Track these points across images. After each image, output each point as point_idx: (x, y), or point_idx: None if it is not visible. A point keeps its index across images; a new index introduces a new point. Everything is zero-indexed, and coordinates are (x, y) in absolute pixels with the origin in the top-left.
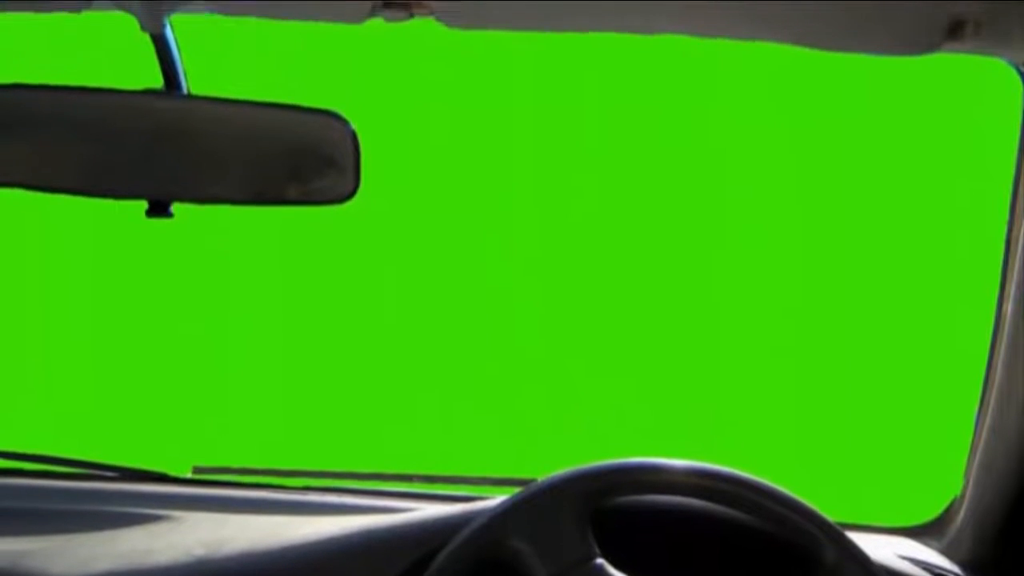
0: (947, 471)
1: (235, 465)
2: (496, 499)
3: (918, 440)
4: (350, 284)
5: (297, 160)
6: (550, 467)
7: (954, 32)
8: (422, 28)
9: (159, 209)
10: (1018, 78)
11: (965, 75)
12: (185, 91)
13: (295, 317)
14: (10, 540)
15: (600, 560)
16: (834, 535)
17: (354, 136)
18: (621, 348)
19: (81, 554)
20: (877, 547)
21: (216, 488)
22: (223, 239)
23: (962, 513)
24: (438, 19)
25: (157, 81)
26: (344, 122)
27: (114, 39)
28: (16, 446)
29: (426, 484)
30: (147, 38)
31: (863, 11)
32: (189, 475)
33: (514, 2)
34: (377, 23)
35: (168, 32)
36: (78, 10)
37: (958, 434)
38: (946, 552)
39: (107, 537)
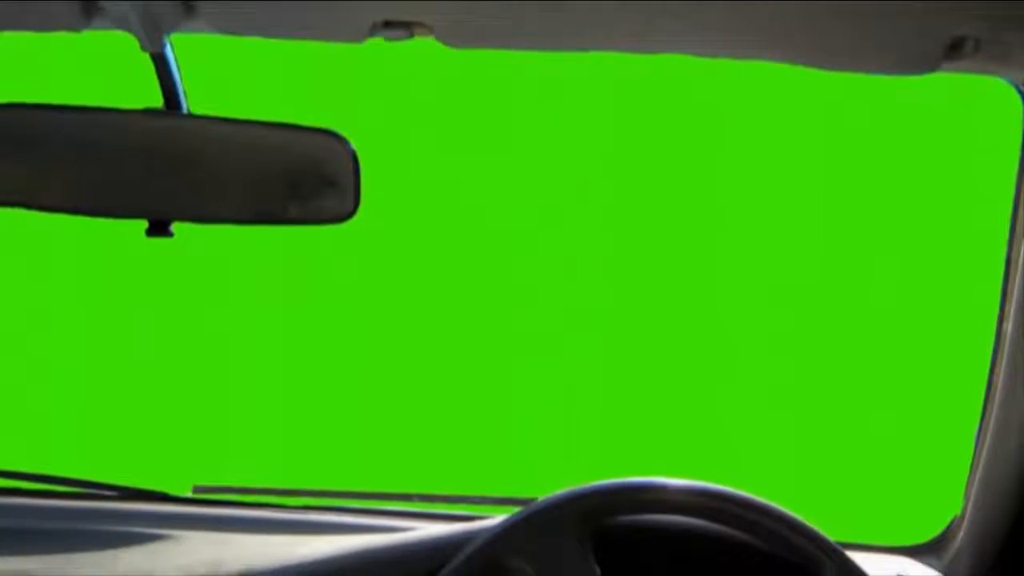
0: (947, 490)
1: (235, 484)
2: (496, 519)
3: (918, 459)
4: (350, 303)
5: (297, 180)
6: (550, 487)
7: (954, 51)
8: (422, 47)
9: (159, 228)
10: (1018, 97)
11: (965, 94)
12: (185, 110)
13: (295, 336)
14: (10, 560)
15: None
16: (834, 554)
17: (354, 156)
18: (621, 366)
19: (81, 574)
20: (877, 566)
21: (216, 508)
22: (223, 256)
23: (962, 532)
24: (438, 39)
25: (157, 101)
26: (344, 142)
27: (114, 59)
28: (16, 465)
29: (426, 504)
30: (147, 58)
31: (863, 31)
32: (189, 495)
33: (513, 22)
34: (377, 42)
35: (168, 52)
36: (78, 30)
37: (958, 453)
38: (946, 571)
39: (107, 556)
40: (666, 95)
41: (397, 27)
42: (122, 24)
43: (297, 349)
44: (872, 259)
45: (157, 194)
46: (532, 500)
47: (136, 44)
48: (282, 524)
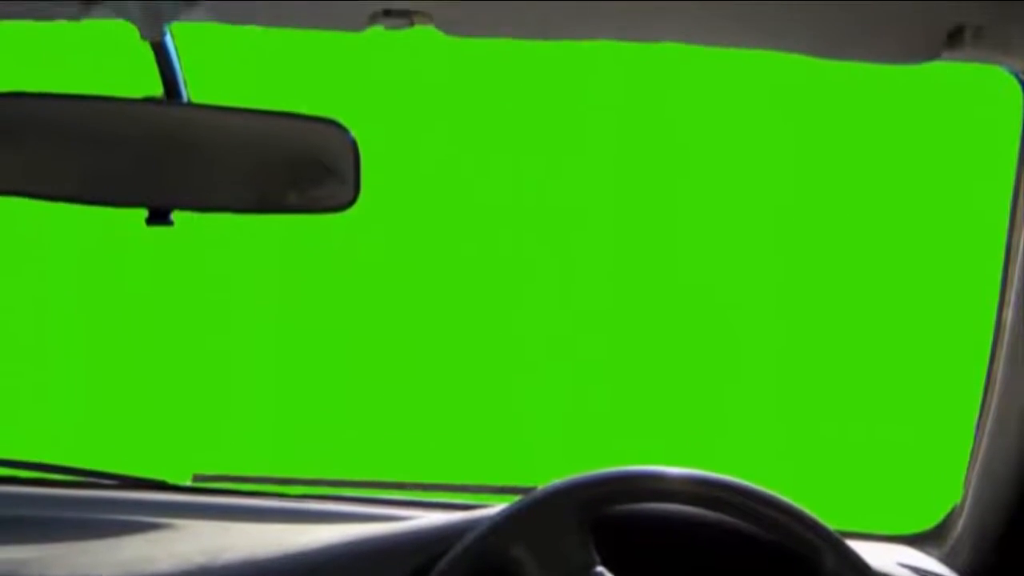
0: (947, 479)
1: (235, 473)
2: (496, 507)
3: (918, 447)
4: (349, 291)
5: (297, 168)
6: (550, 475)
7: (953, 40)
8: (422, 36)
9: (159, 217)
10: (1018, 86)
11: (965, 84)
12: (185, 99)
13: (295, 324)
14: (9, 548)
15: (600, 568)
16: (834, 543)
17: (354, 144)
18: (620, 356)
19: (81, 562)
20: (877, 555)
21: (216, 496)
22: (222, 245)
23: (962, 521)
24: (438, 27)
25: (157, 89)
26: (344, 130)
27: (114, 47)
28: (15, 454)
29: (426, 492)
30: (147, 46)
31: (863, 19)
32: (189, 483)
33: (514, 10)
34: (377, 31)
35: (168, 40)
36: (77, 18)
37: (958, 441)
38: (946, 560)
39: (107, 545)
40: (664, 85)
41: (397, 16)
42: (122, 13)
43: (297, 338)
44: (871, 248)
45: (157, 183)
46: (531, 489)
47: (136, 32)
48: (282, 513)
